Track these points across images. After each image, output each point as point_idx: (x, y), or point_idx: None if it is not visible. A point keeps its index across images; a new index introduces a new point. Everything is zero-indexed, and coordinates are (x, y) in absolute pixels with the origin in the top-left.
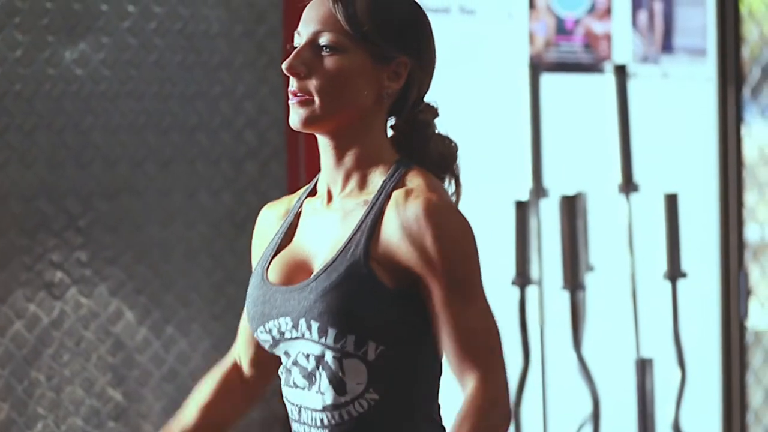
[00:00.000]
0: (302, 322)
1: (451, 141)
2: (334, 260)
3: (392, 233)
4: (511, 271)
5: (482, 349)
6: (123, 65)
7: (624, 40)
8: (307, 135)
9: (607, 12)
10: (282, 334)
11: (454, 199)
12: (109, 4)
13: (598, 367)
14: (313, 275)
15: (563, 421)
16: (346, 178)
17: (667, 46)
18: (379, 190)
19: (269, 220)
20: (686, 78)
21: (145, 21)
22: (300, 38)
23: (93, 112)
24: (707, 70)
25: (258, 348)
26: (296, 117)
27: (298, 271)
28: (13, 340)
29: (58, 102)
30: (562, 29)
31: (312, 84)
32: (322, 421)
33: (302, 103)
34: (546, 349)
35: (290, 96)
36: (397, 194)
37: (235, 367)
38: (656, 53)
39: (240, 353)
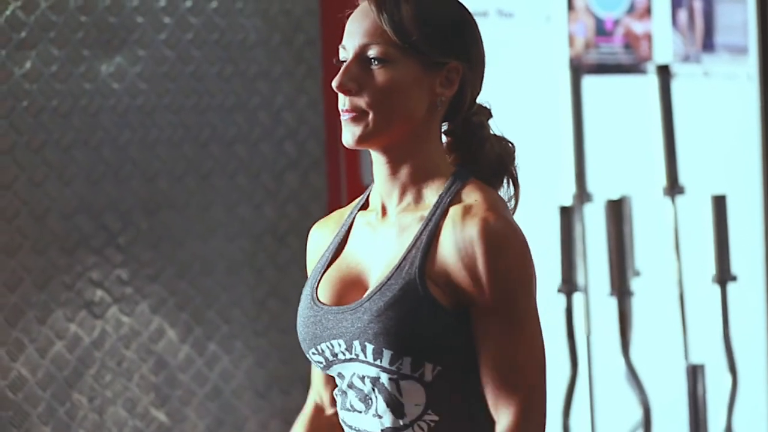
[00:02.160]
0: (356, 344)
1: (507, 141)
2: (388, 278)
3: (448, 252)
4: (557, 278)
5: (523, 386)
6: (160, 78)
7: (664, 40)
8: (349, 153)
9: (647, 11)
10: (335, 355)
11: (512, 203)
12: (144, 16)
13: (647, 373)
14: (366, 294)
15: (613, 429)
16: (402, 192)
17: (707, 45)
18: (435, 205)
19: (319, 238)
20: (728, 76)
21: (181, 32)
22: (346, 52)
23: (130, 127)
24: (749, 67)
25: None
26: (350, 135)
27: (350, 289)
28: (54, 361)
29: (95, 117)
30: (602, 30)
31: (364, 100)
32: None
33: (355, 120)
34: (594, 357)
35: (342, 113)
36: (454, 211)
37: (317, 409)
38: (697, 52)
39: (319, 393)
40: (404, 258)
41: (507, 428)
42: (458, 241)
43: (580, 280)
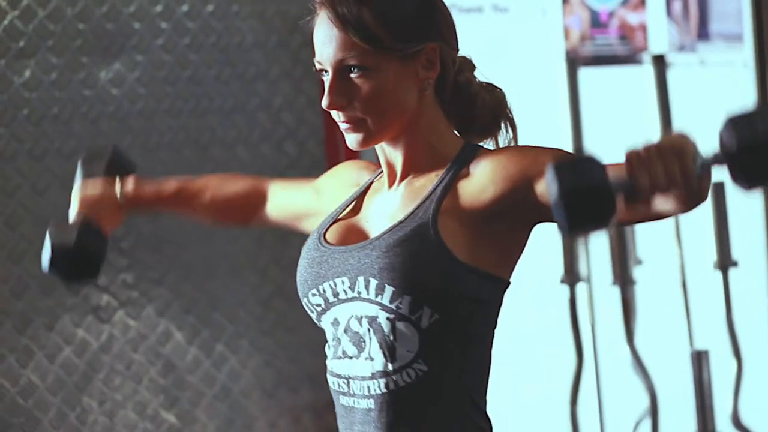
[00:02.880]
0: (360, 279)
1: (495, 88)
2: (401, 222)
3: (482, 178)
4: (560, 269)
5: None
6: (159, 83)
7: (659, 30)
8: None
9: (641, 2)
10: (336, 295)
11: (513, 143)
12: (141, 22)
13: (653, 361)
14: (377, 234)
15: (620, 418)
16: (411, 166)
17: (702, 34)
18: (449, 167)
19: (347, 176)
20: (724, 64)
21: (178, 37)
22: (322, 66)
23: (131, 132)
24: (744, 55)
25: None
26: (353, 140)
27: (357, 236)
28: (63, 366)
29: (96, 123)
30: (597, 22)
31: (357, 108)
32: (369, 389)
33: (355, 127)
34: (599, 346)
35: (340, 124)
36: (481, 158)
37: (262, 189)
38: (692, 41)
39: (273, 190)
40: (418, 207)
41: None
42: (495, 163)
43: (583, 270)
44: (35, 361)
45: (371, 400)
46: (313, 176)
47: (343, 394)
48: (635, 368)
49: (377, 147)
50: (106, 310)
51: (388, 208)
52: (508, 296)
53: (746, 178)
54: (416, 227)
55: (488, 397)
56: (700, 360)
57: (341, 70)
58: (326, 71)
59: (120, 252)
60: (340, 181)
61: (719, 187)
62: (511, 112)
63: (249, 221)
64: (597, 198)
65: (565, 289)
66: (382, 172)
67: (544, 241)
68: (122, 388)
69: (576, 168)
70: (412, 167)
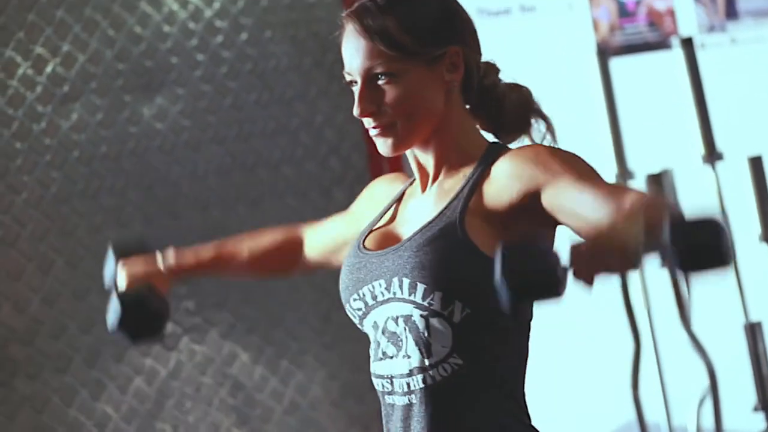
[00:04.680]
0: (395, 280)
1: (521, 87)
2: (431, 222)
3: (499, 179)
4: None
5: (624, 190)
6: (201, 113)
7: (687, 13)
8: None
9: None
10: (375, 298)
11: (548, 138)
12: (179, 56)
13: (710, 337)
14: (409, 235)
15: (684, 397)
16: (441, 169)
17: (731, 13)
18: (475, 168)
19: (379, 191)
20: (754, 40)
21: (215, 67)
22: (351, 77)
23: (179, 163)
24: None
25: (317, 249)
26: (384, 146)
27: (393, 241)
28: (135, 396)
29: (144, 158)
30: (625, 12)
31: (387, 115)
32: (408, 385)
33: (385, 133)
34: (657, 329)
35: (370, 130)
36: (505, 155)
37: (297, 236)
38: (721, 21)
39: (308, 234)
40: (447, 207)
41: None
42: (515, 161)
43: None
44: (107, 393)
45: (412, 396)
46: (358, 190)
47: (388, 393)
48: (693, 347)
49: (409, 154)
50: (171, 337)
51: (421, 211)
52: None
53: (685, 270)
54: (444, 226)
55: (527, 386)
56: (753, 331)
57: (370, 78)
58: (356, 82)
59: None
60: (373, 199)
61: (757, 162)
62: (539, 107)
63: (292, 269)
64: (537, 283)
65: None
66: (414, 179)
67: None
68: (194, 410)
69: (521, 253)
70: (443, 168)
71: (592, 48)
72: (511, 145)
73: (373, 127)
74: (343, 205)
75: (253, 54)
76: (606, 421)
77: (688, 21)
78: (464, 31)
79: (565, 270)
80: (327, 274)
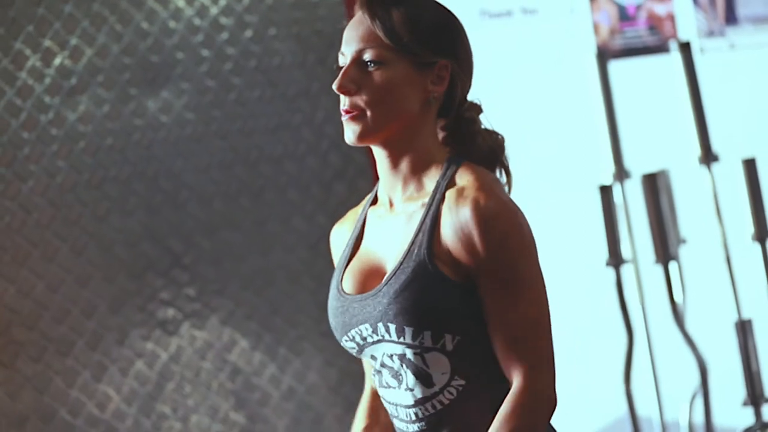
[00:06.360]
0: (380, 326)
1: (497, 134)
2: (401, 263)
3: (448, 234)
4: (605, 253)
5: (528, 345)
6: (205, 107)
7: (687, 18)
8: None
9: None
10: (364, 339)
11: (506, 189)
12: (184, 51)
13: (704, 334)
14: (384, 280)
15: (676, 392)
16: (405, 183)
17: (730, 18)
18: (434, 191)
19: (339, 236)
20: (753, 47)
21: (220, 63)
22: (344, 58)
23: (183, 155)
24: None
25: None
26: (351, 133)
27: (370, 278)
28: (136, 378)
29: (149, 150)
30: (625, 16)
31: (362, 99)
32: (416, 415)
33: (355, 119)
34: (650, 324)
35: (343, 114)
36: (450, 195)
37: (373, 391)
38: (721, 26)
39: (371, 378)
40: (412, 243)
41: (517, 390)
42: (455, 223)
43: (627, 253)
44: (109, 375)
45: (422, 423)
46: (358, 185)
47: (395, 417)
48: (685, 343)
49: (377, 156)
50: (172, 323)
51: (391, 234)
52: (558, 284)
53: None
54: (416, 267)
55: None
56: (744, 329)
57: (360, 60)
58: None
59: (182, 268)
60: (337, 249)
61: (750, 164)
62: (507, 160)
63: None
64: None
65: (612, 272)
66: (371, 201)
67: (588, 227)
68: (193, 394)
69: None
70: (409, 179)
71: (592, 50)
72: (462, 174)
73: (345, 111)
74: (343, 199)
75: (257, 51)
76: (598, 414)
77: (688, 26)
78: (461, 54)
79: None
80: (325, 263)
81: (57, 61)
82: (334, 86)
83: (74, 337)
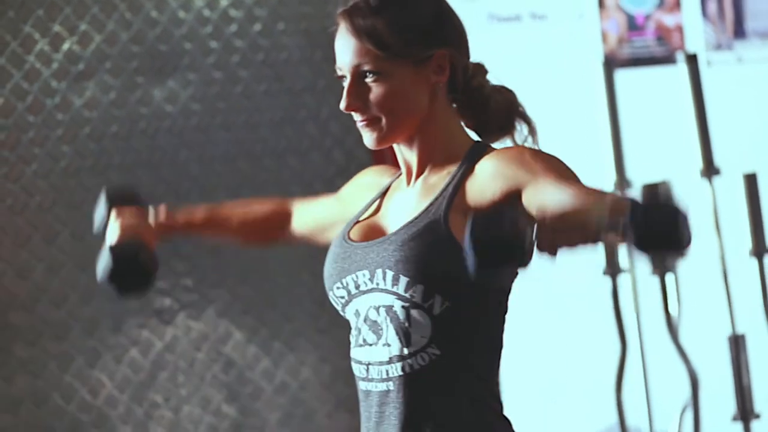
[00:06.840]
0: (378, 272)
1: (506, 89)
2: (416, 218)
3: (483, 177)
4: (602, 262)
5: (600, 191)
6: (211, 99)
7: (696, 30)
8: (392, 149)
9: (677, 4)
10: (358, 287)
11: (530, 140)
12: (192, 42)
13: (696, 347)
14: (395, 230)
15: (668, 403)
16: (425, 165)
17: (739, 32)
18: (459, 165)
19: (369, 181)
20: (761, 61)
21: (228, 55)
22: (342, 72)
23: (187, 146)
24: None
25: (294, 222)
26: (369, 138)
27: (377, 234)
28: (130, 365)
29: (154, 139)
30: (634, 25)
31: (372, 110)
32: (387, 372)
33: (370, 125)
34: (644, 335)
35: (357, 122)
36: (484, 158)
37: (287, 209)
38: (729, 39)
39: (297, 208)
40: (432, 203)
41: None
42: (498, 160)
43: (624, 262)
44: (103, 361)
45: (390, 383)
46: None
47: (363, 379)
48: (678, 355)
49: (396, 148)
50: (168, 312)
51: (406, 204)
52: (554, 291)
53: (641, 249)
54: (429, 223)
55: (501, 378)
56: (737, 344)
57: (358, 75)
58: (345, 77)
59: (180, 257)
60: (360, 187)
61: (751, 178)
62: (523, 110)
63: (276, 239)
64: (501, 248)
65: (608, 281)
66: (400, 173)
67: None
68: (186, 384)
69: (489, 219)
70: (427, 165)
71: (599, 58)
72: (494, 145)
73: (360, 121)
74: None
75: (265, 45)
76: (589, 423)
77: (696, 38)
78: (453, 35)
79: (531, 239)
80: (324, 261)
81: (65, 46)
82: (342, 107)
83: (71, 322)
